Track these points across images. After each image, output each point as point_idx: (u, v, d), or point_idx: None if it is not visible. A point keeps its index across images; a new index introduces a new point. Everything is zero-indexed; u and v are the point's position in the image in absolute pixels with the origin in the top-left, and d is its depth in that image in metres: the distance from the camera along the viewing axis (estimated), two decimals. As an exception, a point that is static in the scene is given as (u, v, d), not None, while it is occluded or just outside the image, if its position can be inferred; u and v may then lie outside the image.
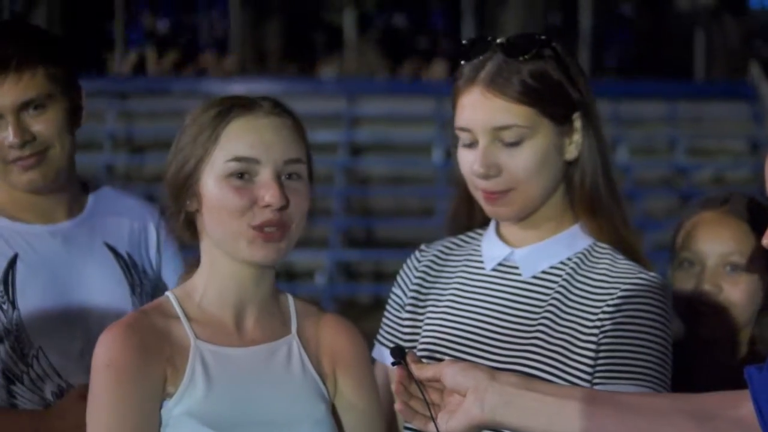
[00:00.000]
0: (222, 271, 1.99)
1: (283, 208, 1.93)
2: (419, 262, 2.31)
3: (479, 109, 2.11)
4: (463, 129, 2.14)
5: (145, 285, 2.54)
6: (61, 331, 2.45)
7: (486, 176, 2.11)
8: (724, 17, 15.90)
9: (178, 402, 1.91)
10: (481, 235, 2.28)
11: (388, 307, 2.33)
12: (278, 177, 1.94)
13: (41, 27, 2.57)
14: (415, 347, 2.21)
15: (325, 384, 2.02)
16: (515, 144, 2.10)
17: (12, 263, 2.46)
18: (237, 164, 1.93)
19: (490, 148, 2.11)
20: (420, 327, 2.24)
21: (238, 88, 13.34)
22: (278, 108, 1.99)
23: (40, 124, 2.44)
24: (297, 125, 2.00)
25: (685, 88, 14.46)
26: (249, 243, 1.94)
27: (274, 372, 1.98)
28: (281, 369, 1.99)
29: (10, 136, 2.41)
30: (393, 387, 1.84)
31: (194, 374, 1.93)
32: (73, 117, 2.51)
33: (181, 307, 1.99)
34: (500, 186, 2.12)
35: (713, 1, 16.01)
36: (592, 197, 2.18)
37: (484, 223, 2.29)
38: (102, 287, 2.50)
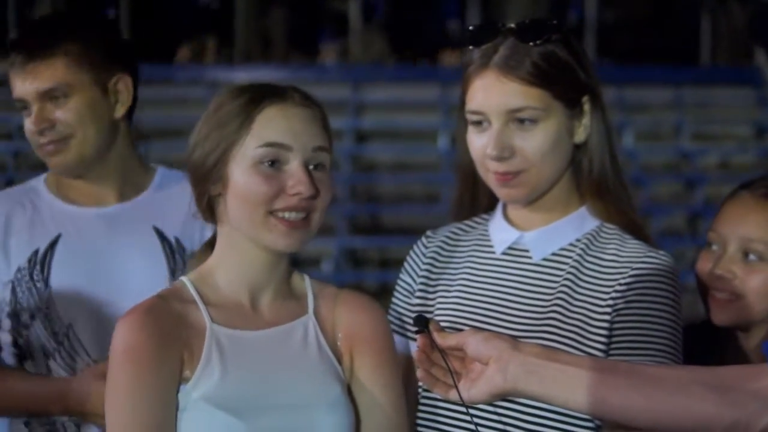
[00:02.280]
0: (239, 255, 2.01)
1: (311, 198, 1.96)
2: (426, 248, 2.33)
3: (493, 92, 2.14)
4: (475, 112, 2.17)
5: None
6: (90, 311, 2.53)
7: (499, 158, 2.14)
8: (729, 2, 15.86)
9: (195, 386, 1.93)
10: (487, 219, 2.30)
11: (395, 293, 2.34)
12: (307, 166, 1.97)
13: (73, 17, 2.62)
14: None
15: (341, 363, 2.02)
16: (529, 126, 2.13)
17: (53, 244, 2.55)
18: (269, 150, 1.96)
19: (504, 130, 2.13)
20: (431, 312, 2.25)
21: (243, 75, 13.34)
22: (307, 99, 2.02)
23: (61, 113, 2.51)
24: (323, 116, 2.03)
25: (691, 74, 14.44)
26: (271, 231, 1.96)
27: (290, 354, 1.99)
28: (297, 351, 2.00)
29: (29, 122, 2.51)
30: (415, 355, 1.85)
31: (210, 358, 1.95)
32: (104, 105, 2.55)
33: (197, 291, 2.01)
34: (513, 167, 2.15)
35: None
36: (599, 180, 2.21)
37: (489, 207, 2.31)
38: (139, 270, 2.55)
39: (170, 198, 2.63)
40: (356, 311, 2.06)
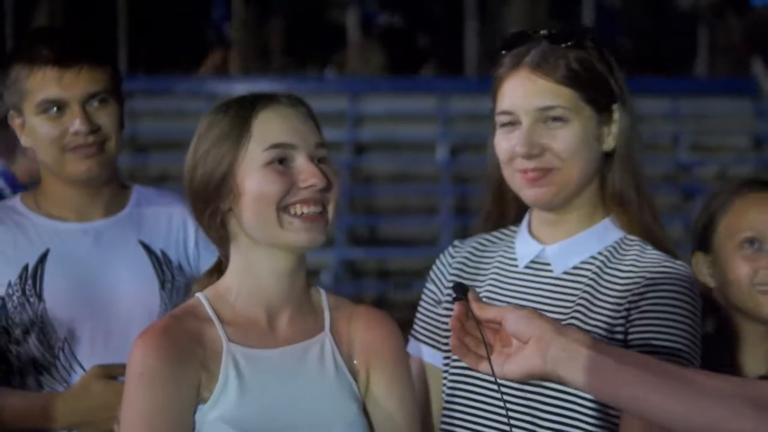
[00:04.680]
0: (259, 270, 2.00)
1: (324, 189, 1.97)
2: (453, 258, 2.34)
3: (523, 90, 2.15)
4: (505, 112, 2.18)
5: (177, 281, 2.61)
6: (85, 325, 2.53)
7: (529, 155, 2.14)
8: (726, 14, 15.89)
9: (213, 407, 1.92)
10: (514, 232, 2.31)
11: (422, 302, 2.35)
12: (313, 160, 1.98)
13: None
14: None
15: (356, 380, 2.02)
16: (557, 124, 2.14)
17: (43, 258, 2.56)
18: (276, 151, 1.97)
19: (534, 128, 2.14)
20: None
21: (242, 87, 13.31)
22: (294, 99, 2.03)
23: (104, 117, 2.56)
24: (313, 114, 2.05)
25: (688, 85, 14.44)
26: (287, 228, 1.96)
27: (307, 372, 1.99)
28: (314, 369, 2.00)
29: (76, 124, 2.52)
30: (450, 323, 1.82)
31: (227, 379, 1.93)
32: (122, 116, 2.61)
33: (213, 309, 2.00)
34: (542, 164, 2.15)
35: (715, -2, 16.01)
36: (625, 191, 2.21)
37: (517, 220, 2.31)
38: (130, 283, 2.57)
39: (150, 213, 2.67)
40: (371, 327, 2.07)
